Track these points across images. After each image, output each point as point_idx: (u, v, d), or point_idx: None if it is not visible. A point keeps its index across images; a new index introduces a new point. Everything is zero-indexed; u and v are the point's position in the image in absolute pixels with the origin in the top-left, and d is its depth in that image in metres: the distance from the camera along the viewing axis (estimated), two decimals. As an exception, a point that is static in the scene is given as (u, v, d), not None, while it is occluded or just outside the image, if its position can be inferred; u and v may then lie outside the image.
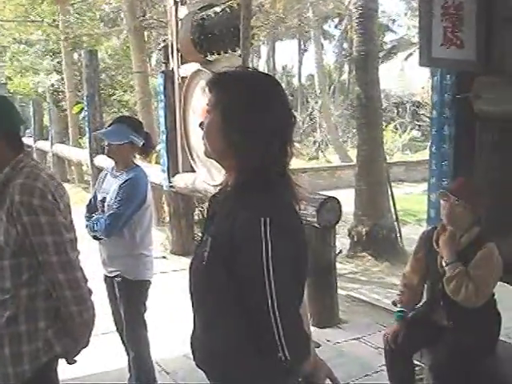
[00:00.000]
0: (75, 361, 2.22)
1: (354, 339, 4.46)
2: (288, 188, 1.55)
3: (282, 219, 1.46)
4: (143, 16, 10.57)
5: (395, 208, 7.95)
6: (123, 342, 3.56)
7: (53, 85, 14.39)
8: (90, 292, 2.13)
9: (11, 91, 16.84)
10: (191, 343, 1.69)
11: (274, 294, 1.42)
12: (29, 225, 2.00)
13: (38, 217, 2.00)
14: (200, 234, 5.68)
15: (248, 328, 1.49)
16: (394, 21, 31.17)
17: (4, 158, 2.10)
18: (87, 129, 10.40)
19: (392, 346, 3.15)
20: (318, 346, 1.61)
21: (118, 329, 3.55)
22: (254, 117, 1.49)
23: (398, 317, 3.22)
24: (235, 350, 1.54)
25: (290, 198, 1.55)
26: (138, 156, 3.59)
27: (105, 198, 3.40)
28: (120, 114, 13.74)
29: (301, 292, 1.59)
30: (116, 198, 3.30)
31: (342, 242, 7.38)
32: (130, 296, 3.43)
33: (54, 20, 13.39)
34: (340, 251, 6.13)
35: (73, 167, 14.38)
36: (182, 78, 6.49)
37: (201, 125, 1.60)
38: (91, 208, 3.50)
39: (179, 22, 6.45)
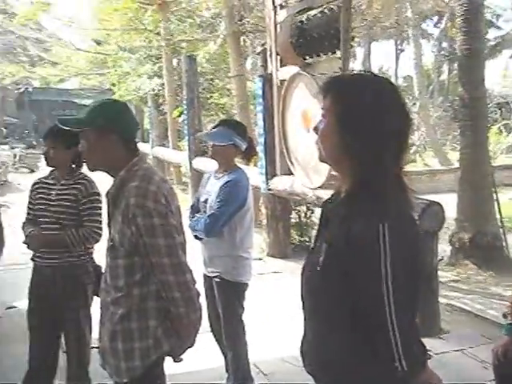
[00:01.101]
0: (181, 359, 2.29)
1: (457, 351, 4.29)
2: (403, 193, 1.50)
3: (399, 225, 1.43)
4: (240, 21, 10.74)
5: (500, 214, 7.55)
6: (217, 341, 3.63)
7: (153, 89, 14.94)
8: (198, 294, 2.19)
9: (115, 97, 17.66)
10: (301, 348, 1.69)
11: (391, 301, 1.38)
12: (143, 227, 2.07)
13: (151, 219, 2.07)
14: (298, 238, 5.76)
15: (363, 336, 1.46)
16: (498, 16, 29.68)
17: (121, 161, 2.20)
18: (186, 132, 10.72)
19: (502, 362, 2.99)
20: (430, 357, 1.54)
21: (212, 328, 3.62)
22: (371, 120, 1.46)
23: (508, 330, 3.05)
24: (350, 358, 1.51)
25: (405, 202, 1.50)
26: (239, 160, 3.67)
27: (207, 199, 3.50)
28: (217, 117, 14.03)
29: (417, 300, 1.54)
30: (217, 198, 3.39)
31: (443, 248, 7.09)
32: (228, 297, 3.49)
33: (156, 27, 13.90)
34: (441, 258, 5.91)
35: (172, 169, 14.85)
36: (281, 81, 6.52)
37: (315, 129, 1.58)
38: (195, 209, 3.62)
39: (278, 26, 6.49)
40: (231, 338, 3.55)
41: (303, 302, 1.64)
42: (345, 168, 1.54)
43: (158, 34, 13.87)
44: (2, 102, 30.96)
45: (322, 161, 1.59)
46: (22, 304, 3.35)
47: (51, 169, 3.40)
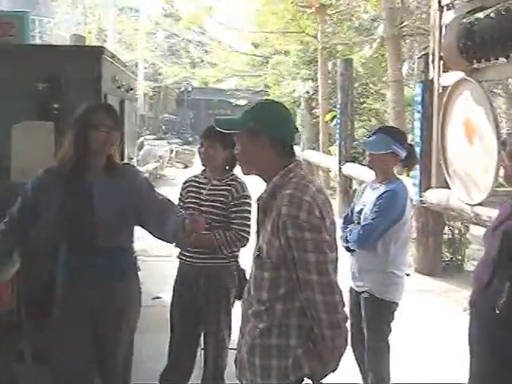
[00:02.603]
0: (321, 383, 2.14)
1: None
2: None
3: None
4: (401, 23, 10.35)
5: None
6: (358, 360, 3.44)
7: (307, 92, 14.95)
8: (345, 318, 2.01)
9: (268, 99, 17.98)
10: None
11: None
12: (293, 239, 1.94)
13: (302, 232, 1.94)
14: (449, 255, 5.28)
15: None
16: None
17: (275, 166, 2.08)
18: (338, 136, 10.56)
19: None
20: None
21: (353, 344, 3.43)
22: None
23: None
24: None
25: None
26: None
27: (362, 209, 3.34)
28: (370, 122, 13.70)
29: None
30: (372, 209, 3.22)
31: None
32: (376, 315, 3.30)
33: (313, 30, 13.90)
34: None
35: (320, 173, 14.76)
36: (443, 87, 6.12)
37: (503, 144, 1.35)
38: (348, 219, 3.46)
39: (443, 28, 6.10)
40: (374, 359, 3.35)
41: (472, 342, 1.41)
42: None
43: (315, 37, 13.85)
44: (164, 100, 33.01)
45: (508, 181, 1.35)
46: (167, 296, 3.42)
47: (203, 167, 3.42)
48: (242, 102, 31.31)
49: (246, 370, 2.11)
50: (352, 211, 3.47)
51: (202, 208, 3.25)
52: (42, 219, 2.76)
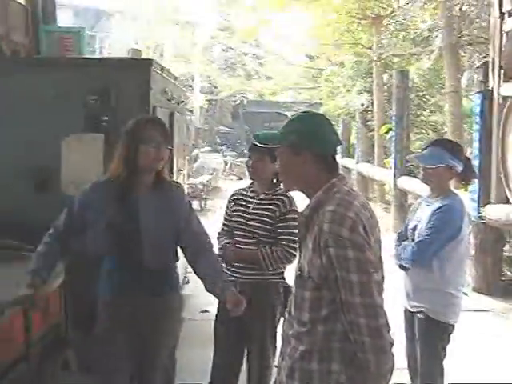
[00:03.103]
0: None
1: None
2: None
3: None
4: (459, 32, 10.06)
5: None
6: (412, 381, 3.29)
7: (362, 104, 14.75)
8: (391, 343, 1.87)
9: (322, 111, 17.90)
10: None
11: None
12: (335, 258, 1.83)
13: (345, 250, 1.82)
14: (510, 274, 5.03)
15: None
16: None
17: (317, 180, 1.98)
18: (393, 149, 10.32)
19: None
20: None
21: (409, 367, 3.28)
22: None
23: None
24: None
25: None
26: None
27: (416, 225, 3.20)
28: (427, 135, 13.37)
29: None
30: (427, 225, 3.08)
31: None
32: (430, 337, 3.14)
33: (368, 42, 13.73)
34: None
35: (375, 186, 14.50)
36: (504, 97, 5.87)
37: None
38: (402, 236, 3.32)
39: (504, 36, 5.86)
40: (427, 382, 3.18)
41: None
42: None
43: (370, 48, 13.67)
44: (219, 113, 33.34)
45: None
46: (215, 309, 3.38)
47: (251, 181, 3.37)
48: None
49: None
50: (406, 228, 3.34)
51: (248, 222, 3.20)
52: (88, 233, 2.77)
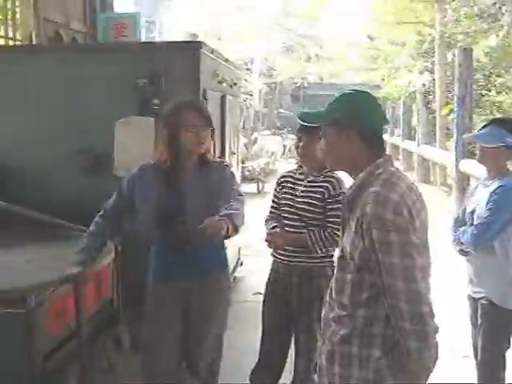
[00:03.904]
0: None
1: None
2: None
3: None
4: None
5: None
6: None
7: (424, 85, 14.32)
8: (435, 330, 1.81)
9: (381, 93, 17.51)
10: None
11: None
12: (377, 241, 1.79)
13: (388, 233, 1.77)
14: None
15: None
16: None
17: (362, 160, 1.94)
18: (455, 131, 9.98)
19: None
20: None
21: (476, 356, 3.18)
22: None
23: None
24: None
25: None
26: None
27: (474, 209, 3.09)
28: (492, 116, 12.86)
29: None
30: (486, 206, 2.97)
31: None
32: (494, 325, 3.03)
33: (431, 19, 13.28)
34: None
35: (437, 169, 14.12)
36: None
37: None
38: (459, 222, 3.21)
39: None
40: (486, 373, 3.09)
41: None
42: None
43: (432, 26, 13.21)
44: (279, 96, 33.23)
45: None
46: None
47: (300, 163, 3.33)
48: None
49: (324, 377, 1.99)
50: (464, 212, 3.22)
51: (296, 205, 3.17)
52: (137, 213, 2.84)
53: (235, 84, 5.37)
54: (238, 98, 5.73)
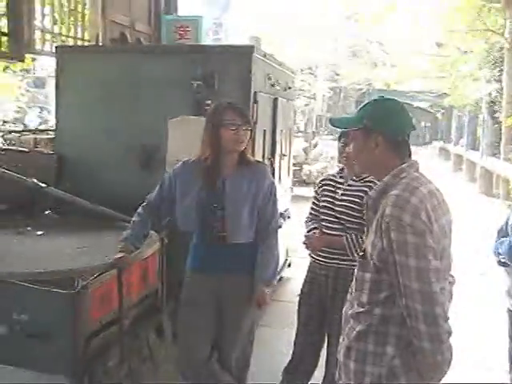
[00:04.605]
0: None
1: None
2: None
3: None
4: None
5: None
6: None
7: (490, 94, 13.95)
8: (449, 332, 1.86)
9: (447, 102, 17.14)
10: None
11: None
12: (395, 242, 1.86)
13: (405, 235, 1.84)
14: None
15: None
16: None
17: (388, 164, 2.02)
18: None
19: None
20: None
21: None
22: None
23: None
24: None
25: None
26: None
27: None
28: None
29: None
30: None
31: None
32: None
33: (500, 28, 12.92)
34: None
35: (500, 182, 13.72)
36: None
37: None
38: (501, 233, 3.21)
39: None
40: None
41: None
42: None
43: (502, 34, 12.86)
44: (343, 101, 33.05)
45: None
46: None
47: (341, 166, 3.38)
48: (424, 105, 30.06)
49: (342, 372, 2.07)
50: (507, 224, 3.20)
51: (335, 208, 3.22)
52: (177, 208, 2.99)
53: (289, 88, 5.47)
54: (291, 101, 5.82)
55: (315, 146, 18.08)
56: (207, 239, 2.97)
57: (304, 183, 13.12)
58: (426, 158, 27.94)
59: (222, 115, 2.90)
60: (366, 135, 2.04)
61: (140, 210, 3.08)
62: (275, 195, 3.07)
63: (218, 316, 3.01)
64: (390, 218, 1.87)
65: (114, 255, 2.90)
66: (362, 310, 2.00)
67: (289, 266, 6.20)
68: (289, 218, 5.77)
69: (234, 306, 3.00)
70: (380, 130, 2.01)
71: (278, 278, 5.60)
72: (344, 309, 2.16)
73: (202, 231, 2.98)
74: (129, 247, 2.94)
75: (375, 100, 2.14)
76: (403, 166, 2.01)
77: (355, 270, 2.10)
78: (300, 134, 18.17)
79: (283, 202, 5.46)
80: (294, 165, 13.11)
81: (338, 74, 26.91)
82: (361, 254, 2.06)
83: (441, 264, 1.90)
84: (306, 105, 25.40)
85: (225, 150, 2.91)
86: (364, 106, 2.12)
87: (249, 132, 2.94)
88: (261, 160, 3.59)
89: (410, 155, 2.08)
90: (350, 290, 2.15)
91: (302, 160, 14.45)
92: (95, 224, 3.74)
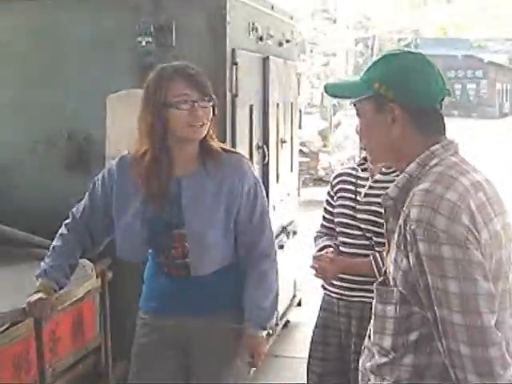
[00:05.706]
0: None
1: None
2: None
3: None
4: None
5: None
6: None
7: None
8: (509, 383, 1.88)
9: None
10: None
11: None
12: (425, 257, 1.84)
13: (439, 247, 1.82)
14: None
15: None
16: None
17: (410, 147, 2.02)
18: None
19: None
20: None
21: None
22: None
23: None
24: None
25: None
26: None
27: None
28: None
29: None
30: None
31: None
32: None
33: None
34: None
35: None
36: None
37: None
38: None
39: None
40: None
41: None
42: None
43: None
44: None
45: None
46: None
47: (364, 155, 3.31)
48: (500, 59, 30.09)
49: None
50: None
51: (357, 215, 3.20)
52: (116, 229, 2.95)
53: (287, 41, 5.46)
54: (291, 60, 5.77)
55: (337, 126, 18.09)
56: (163, 270, 2.97)
57: (321, 182, 13.07)
58: (501, 136, 27.87)
59: (166, 88, 2.77)
60: (377, 106, 2.03)
61: (63, 229, 3.03)
62: (264, 200, 3.03)
63: (184, 377, 3.00)
64: (416, 224, 1.85)
65: (27, 298, 2.84)
66: (384, 360, 2.02)
67: (298, 304, 6.23)
68: (295, 234, 5.79)
69: (205, 363, 2.97)
70: (397, 97, 2.00)
71: (283, 322, 5.65)
72: (361, 360, 2.18)
73: (155, 260, 2.98)
74: (49, 285, 2.89)
75: (388, 55, 2.12)
76: (434, 148, 1.99)
77: (373, 304, 2.11)
78: (314, 110, 18.26)
79: (285, 212, 5.47)
80: (304, 155, 13.10)
81: (368, 19, 26.93)
82: (380, 279, 2.08)
83: (496, 287, 1.90)
84: (324, 65, 25.43)
85: (175, 139, 2.83)
86: (373, 64, 2.11)
87: (211, 109, 2.85)
88: (241, 151, 3.49)
89: (443, 132, 2.06)
90: (368, 333, 2.17)
91: (318, 147, 14.40)
92: (2, 253, 3.76)
